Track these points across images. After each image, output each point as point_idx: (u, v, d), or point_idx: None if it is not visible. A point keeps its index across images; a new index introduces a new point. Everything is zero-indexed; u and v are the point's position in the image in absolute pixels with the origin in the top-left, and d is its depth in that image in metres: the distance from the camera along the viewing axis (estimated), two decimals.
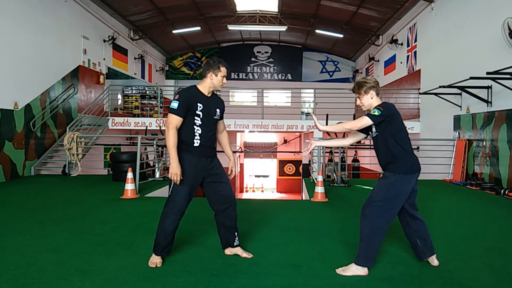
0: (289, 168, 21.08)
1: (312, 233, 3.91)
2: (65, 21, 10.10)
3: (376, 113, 2.73)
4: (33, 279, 2.63)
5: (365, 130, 2.97)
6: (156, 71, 18.00)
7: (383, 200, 2.73)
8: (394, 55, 13.13)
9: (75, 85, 10.55)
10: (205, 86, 2.96)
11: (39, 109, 8.95)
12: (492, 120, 7.14)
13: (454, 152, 8.32)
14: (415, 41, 11.27)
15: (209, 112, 2.93)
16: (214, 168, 3.01)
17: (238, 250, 3.12)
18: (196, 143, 2.90)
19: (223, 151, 3.23)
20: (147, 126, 10.19)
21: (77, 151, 8.50)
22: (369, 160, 13.50)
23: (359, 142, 3.71)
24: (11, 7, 7.99)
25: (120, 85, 15.00)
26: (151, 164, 8.70)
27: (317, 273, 2.80)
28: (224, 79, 2.97)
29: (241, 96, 19.72)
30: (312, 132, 11.64)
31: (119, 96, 14.72)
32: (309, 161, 10.65)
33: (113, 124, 11.40)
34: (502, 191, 6.29)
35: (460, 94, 8.26)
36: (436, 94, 8.70)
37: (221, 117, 3.09)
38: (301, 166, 18.57)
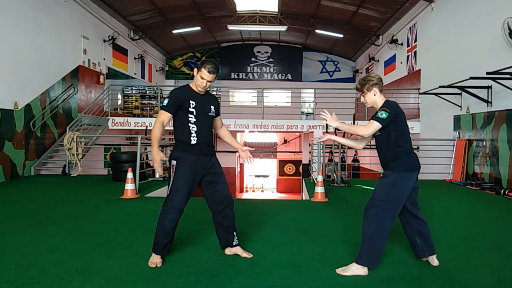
0: (289, 168, 21.08)
1: (312, 233, 3.91)
2: (65, 21, 10.10)
3: (384, 116, 2.73)
4: (33, 279, 2.63)
5: None
6: (156, 71, 18.00)
7: (385, 200, 2.73)
8: (394, 55, 13.13)
9: (75, 85, 10.55)
10: (194, 84, 3.00)
11: (39, 109, 8.95)
12: (492, 120, 7.13)
13: (454, 152, 8.32)
14: (415, 41, 11.26)
15: (202, 109, 2.95)
16: (213, 167, 3.01)
17: (238, 250, 3.12)
18: (193, 141, 2.91)
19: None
20: (147, 126, 10.18)
21: (77, 151, 8.51)
22: (369, 160, 13.50)
23: None
24: (11, 7, 7.99)
25: (120, 85, 14.98)
26: (151, 164, 8.69)
27: (317, 273, 2.80)
28: (205, 81, 2.91)
29: (241, 96, 19.72)
30: (312, 132, 11.64)
31: (119, 96, 14.70)
32: (309, 161, 10.65)
33: (113, 124, 11.40)
34: (502, 191, 6.29)
35: (460, 94, 8.26)
36: (436, 94, 8.70)
37: (217, 114, 3.11)
38: (301, 166, 18.58)
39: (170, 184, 2.90)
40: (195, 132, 2.91)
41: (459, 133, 8.41)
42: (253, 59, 19.57)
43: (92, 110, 10.81)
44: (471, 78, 6.70)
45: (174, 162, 2.91)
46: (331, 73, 19.48)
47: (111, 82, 13.24)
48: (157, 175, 7.95)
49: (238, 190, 19.94)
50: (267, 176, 22.17)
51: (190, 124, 2.91)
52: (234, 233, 3.11)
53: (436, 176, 8.46)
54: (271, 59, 19.58)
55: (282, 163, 21.14)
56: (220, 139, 3.35)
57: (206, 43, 18.86)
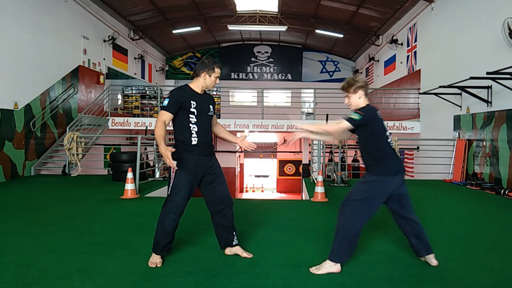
0: (289, 168, 21.08)
1: (312, 233, 3.91)
2: (65, 21, 10.09)
3: (356, 117, 2.74)
4: (33, 279, 2.63)
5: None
6: (156, 71, 18.00)
7: (360, 200, 2.76)
8: (394, 55, 13.12)
9: (75, 85, 10.55)
10: (198, 85, 2.99)
11: (39, 109, 8.95)
12: (492, 120, 7.13)
13: (454, 152, 8.32)
14: (415, 41, 11.26)
15: (203, 109, 2.96)
16: (213, 167, 3.01)
17: (238, 250, 3.12)
18: (194, 141, 2.91)
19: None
20: (147, 126, 10.18)
21: (77, 151, 8.50)
22: None
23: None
24: (11, 7, 7.99)
25: (120, 85, 14.99)
26: (151, 164, 8.70)
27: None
28: (217, 79, 3.02)
29: (241, 96, 19.71)
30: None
31: (119, 96, 14.71)
32: (309, 161, 10.64)
33: (113, 124, 11.40)
34: (502, 191, 6.28)
35: (460, 94, 8.26)
36: (436, 94, 8.69)
37: (215, 113, 3.14)
38: (301, 166, 18.55)
39: (171, 184, 2.90)
40: (196, 132, 2.91)
41: (459, 133, 8.41)
42: (253, 59, 19.57)
43: (92, 110, 10.81)
44: (471, 78, 6.70)
45: (174, 163, 2.91)
46: (331, 73, 19.49)
47: (111, 82, 13.25)
48: (157, 175, 7.96)
49: (238, 190, 19.93)
50: (267, 176, 22.17)
51: (190, 125, 2.90)
52: (234, 233, 3.11)
53: (436, 176, 8.46)
54: (271, 59, 19.58)
55: (282, 163, 21.14)
56: (220, 139, 3.36)
57: (206, 43, 18.86)
